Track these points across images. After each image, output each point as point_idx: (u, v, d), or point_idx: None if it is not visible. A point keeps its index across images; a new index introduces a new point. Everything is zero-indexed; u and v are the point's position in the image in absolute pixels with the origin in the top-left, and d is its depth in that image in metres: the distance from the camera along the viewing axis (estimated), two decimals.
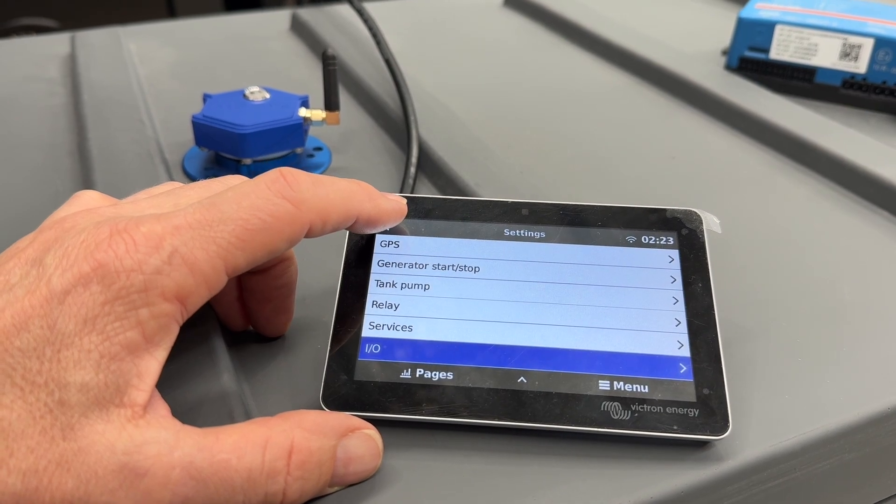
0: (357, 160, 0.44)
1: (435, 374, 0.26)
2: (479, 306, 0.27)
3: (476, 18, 0.66)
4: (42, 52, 0.58)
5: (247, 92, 0.41)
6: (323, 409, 0.25)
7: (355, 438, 0.24)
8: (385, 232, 0.29)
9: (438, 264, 0.28)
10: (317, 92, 0.48)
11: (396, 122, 0.46)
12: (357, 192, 0.26)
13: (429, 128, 0.44)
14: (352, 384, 0.26)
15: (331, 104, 0.42)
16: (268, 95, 0.41)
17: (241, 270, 0.23)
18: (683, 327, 0.26)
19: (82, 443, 0.20)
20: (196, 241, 0.21)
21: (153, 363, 0.21)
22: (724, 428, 0.24)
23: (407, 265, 0.28)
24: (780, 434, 0.26)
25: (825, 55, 0.49)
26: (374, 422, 0.25)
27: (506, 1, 0.70)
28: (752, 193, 0.41)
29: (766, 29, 0.50)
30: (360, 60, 0.54)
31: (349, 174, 0.42)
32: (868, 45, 0.48)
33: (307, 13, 0.63)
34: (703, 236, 0.29)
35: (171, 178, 0.40)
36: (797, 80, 0.51)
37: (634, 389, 0.25)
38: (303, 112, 0.41)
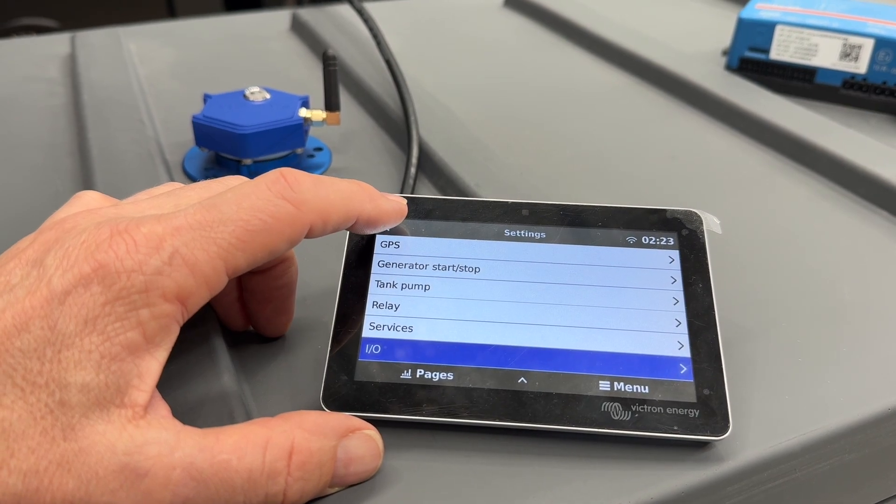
0: (357, 160, 0.44)
1: (435, 375, 0.26)
2: (479, 307, 0.27)
3: (476, 18, 0.66)
4: (42, 52, 0.58)
5: (247, 92, 0.41)
6: (323, 410, 0.25)
7: (356, 439, 0.24)
8: (385, 232, 0.29)
9: (439, 265, 0.28)
10: (317, 92, 0.48)
11: (397, 123, 0.46)
12: (357, 192, 0.26)
13: (429, 128, 0.44)
14: (352, 385, 0.26)
15: (331, 104, 0.42)
16: (268, 96, 0.41)
17: (242, 271, 0.23)
18: (684, 328, 0.26)
19: (83, 443, 0.20)
20: (197, 242, 0.21)
21: (154, 364, 0.21)
22: (725, 428, 0.24)
23: (407, 266, 0.28)
24: (781, 434, 0.26)
25: (825, 55, 0.49)
26: (375, 422, 0.25)
27: (506, 1, 0.70)
28: (753, 194, 0.41)
29: (766, 29, 0.50)
30: (360, 61, 0.54)
31: (349, 174, 0.42)
32: (868, 45, 0.48)
33: (307, 13, 0.63)
34: (704, 237, 0.29)
35: (172, 179, 0.40)
36: (797, 81, 0.51)
37: (635, 390, 0.25)
38: (303, 112, 0.41)
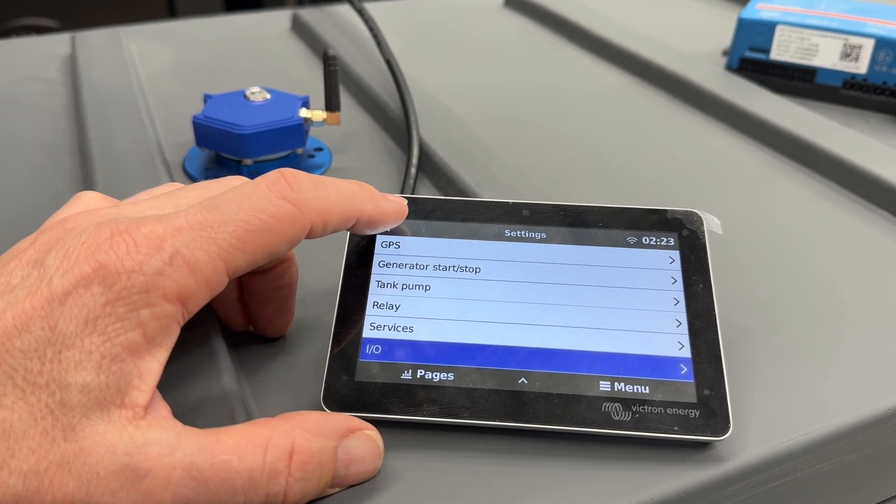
0: (358, 161, 0.44)
1: (436, 375, 0.26)
2: (479, 307, 0.27)
3: (476, 18, 0.66)
4: (42, 52, 0.58)
5: (247, 92, 0.41)
6: (324, 410, 0.25)
7: (356, 439, 0.24)
8: (386, 233, 0.29)
9: (439, 265, 0.28)
10: (317, 92, 0.48)
11: (397, 123, 0.46)
12: (358, 192, 0.26)
13: (429, 128, 0.44)
14: (353, 385, 0.26)
15: (331, 105, 0.42)
16: (268, 96, 0.41)
17: (242, 271, 0.23)
18: (684, 328, 0.26)
19: (83, 444, 0.20)
20: (197, 243, 0.21)
21: (154, 364, 0.21)
22: (725, 429, 0.24)
23: (408, 266, 0.28)
24: (781, 435, 0.26)
25: (826, 56, 0.49)
26: (375, 422, 0.25)
27: (506, 1, 0.70)
28: (753, 194, 0.41)
29: (766, 29, 0.50)
30: (360, 61, 0.54)
31: (350, 175, 0.42)
32: (868, 45, 0.48)
33: (308, 13, 0.63)
34: (704, 237, 0.29)
35: (172, 179, 0.40)
36: (798, 81, 0.51)
37: (635, 390, 0.25)
38: (303, 112, 0.41)
